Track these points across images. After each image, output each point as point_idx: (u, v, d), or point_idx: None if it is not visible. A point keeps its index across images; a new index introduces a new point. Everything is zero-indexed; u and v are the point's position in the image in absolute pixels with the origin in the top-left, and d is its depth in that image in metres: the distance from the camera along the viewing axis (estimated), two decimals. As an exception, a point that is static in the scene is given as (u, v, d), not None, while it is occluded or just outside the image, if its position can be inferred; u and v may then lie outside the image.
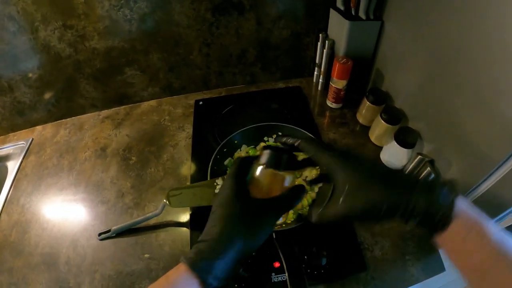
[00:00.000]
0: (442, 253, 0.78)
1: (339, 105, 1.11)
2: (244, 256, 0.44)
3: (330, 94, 1.08)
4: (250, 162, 0.53)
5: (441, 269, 0.77)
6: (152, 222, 0.87)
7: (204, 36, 1.04)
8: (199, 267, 0.41)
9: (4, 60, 1.00)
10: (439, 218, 0.39)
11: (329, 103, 1.11)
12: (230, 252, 0.42)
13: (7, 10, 0.89)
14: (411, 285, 0.75)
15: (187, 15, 0.98)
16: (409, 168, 0.87)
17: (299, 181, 0.90)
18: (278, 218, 0.48)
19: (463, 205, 0.40)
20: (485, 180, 0.67)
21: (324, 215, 0.48)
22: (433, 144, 0.85)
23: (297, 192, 0.50)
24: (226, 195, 0.47)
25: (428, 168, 0.80)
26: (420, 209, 0.39)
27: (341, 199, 0.44)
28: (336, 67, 1.02)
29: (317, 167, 0.92)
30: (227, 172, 0.57)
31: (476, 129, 0.67)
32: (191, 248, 0.67)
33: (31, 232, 0.93)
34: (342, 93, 1.06)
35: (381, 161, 0.96)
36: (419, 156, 0.83)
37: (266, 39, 1.08)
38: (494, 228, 0.38)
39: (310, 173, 0.91)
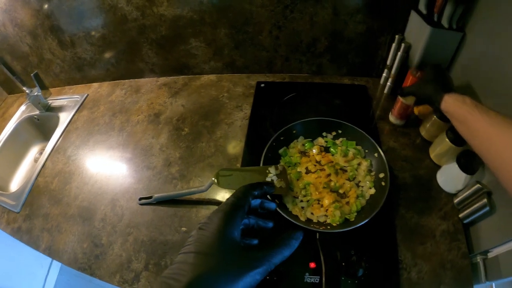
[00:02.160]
0: None
1: (403, 122, 1.03)
2: None
3: (396, 109, 1.01)
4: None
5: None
6: (195, 197, 0.85)
7: (277, 18, 1.00)
8: None
9: (70, 15, 1.01)
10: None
11: (392, 118, 1.03)
12: None
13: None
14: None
15: (263, -7, 0.95)
16: (463, 196, 0.81)
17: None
18: (263, 275, 0.37)
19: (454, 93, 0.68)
20: None
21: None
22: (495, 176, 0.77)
23: (290, 239, 0.42)
24: (213, 232, 0.38)
25: (485, 200, 0.73)
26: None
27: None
28: (409, 80, 0.95)
29: (373, 175, 0.87)
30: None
31: None
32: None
33: (72, 184, 0.93)
34: (410, 109, 0.99)
35: (436, 180, 0.90)
36: (478, 185, 0.77)
37: (340, 31, 1.03)
38: (471, 99, 0.63)
39: (364, 178, 0.87)
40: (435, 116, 0.93)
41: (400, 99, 0.92)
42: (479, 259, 0.77)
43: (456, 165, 0.81)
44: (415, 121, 1.03)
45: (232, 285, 0.34)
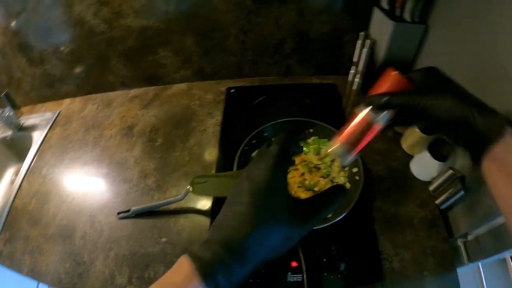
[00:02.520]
0: (460, 273, 0.76)
1: (351, 155, 0.79)
2: (268, 262, 0.35)
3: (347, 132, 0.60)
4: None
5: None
6: (172, 206, 0.86)
7: (242, 23, 1.02)
8: (215, 279, 0.31)
9: (38, 32, 1.00)
10: (491, 131, 0.38)
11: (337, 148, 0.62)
12: (258, 258, 0.33)
13: (45, -19, 0.89)
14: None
15: (226, 0, 0.96)
16: (437, 183, 0.84)
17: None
18: (319, 220, 0.39)
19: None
20: None
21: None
22: (467, 160, 0.78)
23: (335, 191, 0.41)
24: (265, 181, 0.36)
25: (459, 185, 0.76)
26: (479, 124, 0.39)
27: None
28: (387, 85, 0.97)
29: (346, 171, 0.89)
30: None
31: None
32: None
33: (50, 203, 0.93)
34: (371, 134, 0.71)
35: (410, 170, 0.93)
36: (451, 171, 0.79)
37: (306, 32, 1.05)
38: None
39: (338, 174, 0.89)
40: (403, 109, 0.96)
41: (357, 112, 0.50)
42: (459, 242, 0.80)
43: (428, 154, 0.84)
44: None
45: (286, 238, 0.35)
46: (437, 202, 0.85)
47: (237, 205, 0.35)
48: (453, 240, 0.83)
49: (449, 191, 0.79)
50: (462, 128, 0.40)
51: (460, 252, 0.79)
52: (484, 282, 1.36)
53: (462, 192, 0.76)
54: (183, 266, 0.32)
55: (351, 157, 0.49)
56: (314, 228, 0.69)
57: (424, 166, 0.89)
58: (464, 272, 0.78)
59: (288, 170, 0.84)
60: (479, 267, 1.36)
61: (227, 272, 0.32)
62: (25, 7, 0.93)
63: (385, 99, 0.44)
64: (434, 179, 0.87)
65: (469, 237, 0.77)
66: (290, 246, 0.36)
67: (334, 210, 0.40)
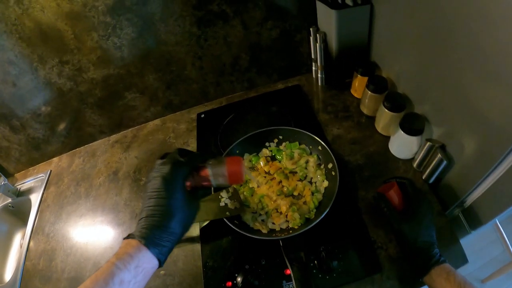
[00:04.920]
0: (479, 235, 0.79)
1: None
2: (183, 235, 0.55)
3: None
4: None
5: (464, 260, 0.73)
6: (164, 239, 0.89)
7: (194, 50, 1.05)
8: (156, 247, 0.49)
9: (13, 101, 1.06)
10: (424, 266, 0.64)
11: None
12: (177, 231, 0.52)
13: (6, 55, 0.94)
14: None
15: (173, 33, 0.99)
16: (419, 157, 0.84)
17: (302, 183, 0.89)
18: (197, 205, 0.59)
19: (444, 264, 0.63)
20: (503, 159, 0.61)
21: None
22: (443, 127, 0.79)
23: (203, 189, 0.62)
24: (174, 186, 0.53)
25: (439, 155, 0.76)
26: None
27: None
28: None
29: (322, 168, 0.90)
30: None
31: (488, 103, 0.61)
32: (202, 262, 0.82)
33: (57, 259, 0.98)
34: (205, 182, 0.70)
35: (390, 151, 0.93)
36: (429, 143, 0.79)
37: (257, 42, 1.07)
38: (457, 277, 0.60)
39: (315, 174, 0.90)
40: (369, 91, 0.96)
41: (207, 168, 0.59)
42: (457, 212, 0.80)
43: (402, 132, 0.84)
44: (357, 104, 1.06)
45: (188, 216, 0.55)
46: (424, 177, 0.85)
47: (158, 199, 0.51)
48: (449, 212, 0.82)
49: (433, 163, 0.79)
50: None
51: (460, 221, 0.79)
52: (506, 238, 1.34)
53: (444, 162, 0.76)
54: (131, 243, 0.49)
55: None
56: (296, 233, 0.76)
57: (402, 144, 0.89)
58: (483, 233, 0.77)
59: (265, 182, 0.87)
60: (497, 225, 1.34)
61: (162, 243, 0.50)
62: (-5, 80, 1.00)
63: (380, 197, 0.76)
64: (416, 154, 0.87)
65: (465, 205, 0.77)
66: (192, 220, 0.57)
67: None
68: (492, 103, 0.60)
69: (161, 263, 0.51)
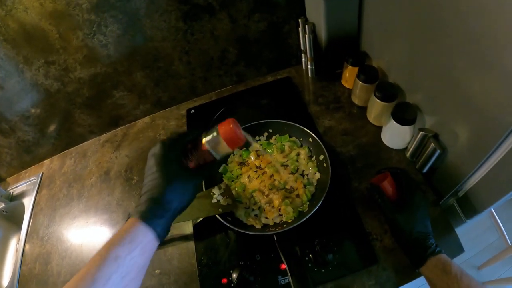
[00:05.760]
0: (474, 224, 0.80)
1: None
2: (181, 210, 0.55)
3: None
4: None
5: (460, 249, 0.74)
6: (158, 238, 0.89)
7: (181, 45, 1.03)
8: (151, 220, 0.50)
9: (0, 104, 1.05)
10: (421, 256, 0.64)
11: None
12: (173, 205, 0.52)
13: (-10, 59, 0.92)
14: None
15: (159, 28, 0.98)
16: (412, 147, 0.83)
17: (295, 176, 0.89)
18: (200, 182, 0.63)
19: (441, 255, 0.63)
20: (497, 148, 0.60)
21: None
22: (435, 116, 0.78)
23: (209, 165, 0.60)
24: (165, 160, 0.54)
25: (432, 144, 0.75)
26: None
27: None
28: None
29: (314, 160, 0.89)
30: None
31: (480, 91, 0.60)
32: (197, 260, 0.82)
33: (52, 263, 0.98)
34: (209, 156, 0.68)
35: (383, 141, 0.92)
36: (421, 132, 0.79)
37: (244, 35, 1.06)
38: (454, 269, 0.60)
39: (307, 166, 0.90)
40: (360, 81, 0.95)
41: (203, 141, 0.58)
42: (452, 201, 0.80)
43: (394, 122, 0.84)
44: (348, 94, 1.05)
45: (185, 189, 0.54)
46: (417, 167, 0.85)
47: (151, 175, 0.53)
48: (444, 202, 0.82)
49: (426, 152, 0.79)
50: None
51: (455, 210, 0.79)
52: (501, 225, 1.35)
53: (438, 151, 0.75)
54: (129, 220, 0.50)
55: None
56: (290, 227, 0.75)
57: (394, 134, 0.89)
58: (479, 221, 0.77)
59: (256, 177, 0.86)
60: (492, 212, 1.35)
61: (157, 216, 0.50)
62: (-18, 83, 0.98)
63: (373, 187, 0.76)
64: (409, 144, 0.87)
65: (460, 194, 0.77)
66: (190, 195, 0.56)
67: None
68: (484, 91, 0.59)
69: (159, 238, 0.51)
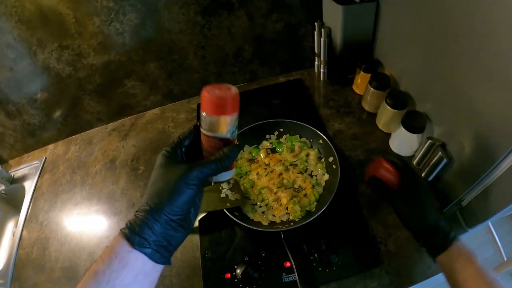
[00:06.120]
0: (471, 236, 0.78)
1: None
2: (170, 218, 0.44)
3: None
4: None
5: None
6: (163, 228, 0.88)
7: (198, 39, 1.04)
8: (126, 232, 0.43)
9: (9, 86, 1.04)
10: (442, 242, 0.60)
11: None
12: (152, 214, 0.43)
13: (4, 38, 0.92)
14: (428, 278, 0.72)
15: (177, 21, 0.98)
16: (419, 155, 0.84)
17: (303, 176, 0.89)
18: (198, 180, 0.45)
19: (459, 241, 0.59)
20: (502, 160, 0.60)
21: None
22: (444, 126, 0.79)
23: (223, 152, 0.48)
24: (155, 167, 0.49)
25: (440, 153, 0.76)
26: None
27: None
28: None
29: (323, 162, 0.90)
30: None
31: (489, 104, 0.61)
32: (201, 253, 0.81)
33: (50, 248, 0.96)
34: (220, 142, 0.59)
35: (391, 148, 0.93)
36: (429, 141, 0.80)
37: (261, 34, 1.07)
38: (478, 259, 0.55)
39: (316, 167, 0.90)
40: (371, 88, 0.96)
41: (202, 131, 0.49)
42: (455, 209, 0.80)
43: (404, 129, 0.85)
44: (359, 100, 1.06)
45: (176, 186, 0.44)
46: (423, 174, 0.85)
47: (157, 183, 0.46)
48: (448, 210, 0.83)
49: (433, 161, 0.80)
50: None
51: (458, 219, 0.79)
52: (498, 240, 1.35)
53: (445, 160, 0.76)
54: (117, 236, 0.44)
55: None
56: (297, 225, 0.75)
57: (403, 141, 0.90)
58: (475, 234, 0.78)
59: (265, 174, 0.86)
60: (490, 227, 1.35)
61: (136, 230, 0.42)
62: (-8, 63, 0.97)
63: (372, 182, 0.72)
64: (416, 152, 0.88)
65: (463, 203, 0.77)
66: (181, 199, 0.44)
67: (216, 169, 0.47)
68: (493, 104, 0.60)
69: (133, 245, 0.42)
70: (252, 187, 0.89)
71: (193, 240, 0.86)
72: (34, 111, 1.12)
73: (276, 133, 0.98)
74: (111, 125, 1.23)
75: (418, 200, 0.65)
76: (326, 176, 0.88)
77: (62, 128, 1.19)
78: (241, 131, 0.95)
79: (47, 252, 0.96)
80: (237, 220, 0.79)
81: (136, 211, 0.45)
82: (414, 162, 0.88)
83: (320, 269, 0.74)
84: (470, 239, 0.74)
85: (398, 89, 0.95)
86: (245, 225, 0.79)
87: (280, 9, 1.02)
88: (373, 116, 1.01)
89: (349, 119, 1.04)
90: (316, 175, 0.90)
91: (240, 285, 0.74)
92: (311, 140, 0.95)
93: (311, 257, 0.76)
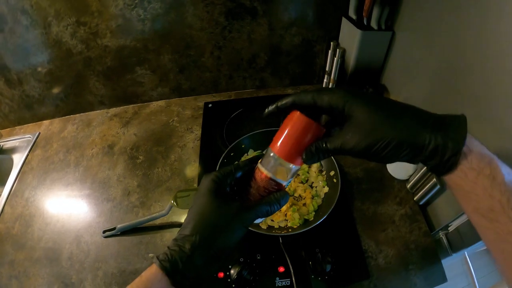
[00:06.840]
0: (448, 266, 0.79)
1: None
2: (217, 255, 0.43)
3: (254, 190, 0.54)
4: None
5: (443, 279, 0.78)
6: (157, 222, 0.87)
7: (217, 39, 1.05)
8: (167, 266, 0.41)
9: (15, 53, 1.01)
10: (447, 158, 0.35)
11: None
12: (199, 250, 0.42)
13: (21, 3, 0.89)
14: (414, 296, 0.75)
15: (200, 18, 0.99)
16: (414, 179, 0.88)
17: (302, 189, 0.91)
18: (252, 221, 0.45)
19: (473, 144, 0.36)
20: None
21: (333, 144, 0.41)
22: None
23: (276, 198, 0.47)
24: (202, 192, 0.46)
25: (434, 179, 0.80)
26: (429, 147, 0.36)
27: (349, 131, 0.39)
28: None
29: (324, 175, 0.92)
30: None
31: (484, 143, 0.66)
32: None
33: (34, 226, 0.93)
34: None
35: (387, 170, 0.97)
36: (425, 167, 0.84)
37: (278, 45, 1.09)
38: (506, 170, 0.34)
39: (316, 179, 0.92)
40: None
41: (260, 168, 0.47)
42: (441, 234, 0.83)
43: None
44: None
45: (228, 229, 0.43)
46: (415, 198, 0.89)
47: (207, 215, 0.44)
48: (435, 233, 0.87)
49: (426, 186, 0.83)
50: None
51: (443, 243, 0.83)
52: (473, 272, 1.41)
53: (438, 186, 0.80)
54: (153, 266, 0.42)
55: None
56: (296, 232, 0.74)
57: (399, 166, 0.93)
58: (452, 265, 0.81)
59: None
60: (466, 259, 1.41)
61: (178, 264, 0.41)
62: (2, 28, 0.94)
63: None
64: (411, 176, 0.92)
65: (450, 229, 0.81)
66: (233, 239, 0.44)
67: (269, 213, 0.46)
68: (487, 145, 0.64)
69: (174, 283, 0.41)
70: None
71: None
72: (36, 83, 1.09)
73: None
74: (113, 110, 1.21)
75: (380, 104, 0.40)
76: (326, 189, 0.90)
77: (61, 105, 1.16)
78: (247, 135, 0.97)
79: (30, 229, 0.93)
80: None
81: (177, 239, 0.43)
82: (408, 186, 0.92)
83: (313, 276, 0.76)
84: (446, 269, 0.79)
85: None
86: (244, 228, 0.79)
87: (301, 24, 1.04)
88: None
89: (350, 139, 1.06)
90: (316, 187, 0.92)
91: (233, 286, 0.74)
92: (314, 153, 0.97)
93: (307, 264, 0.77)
